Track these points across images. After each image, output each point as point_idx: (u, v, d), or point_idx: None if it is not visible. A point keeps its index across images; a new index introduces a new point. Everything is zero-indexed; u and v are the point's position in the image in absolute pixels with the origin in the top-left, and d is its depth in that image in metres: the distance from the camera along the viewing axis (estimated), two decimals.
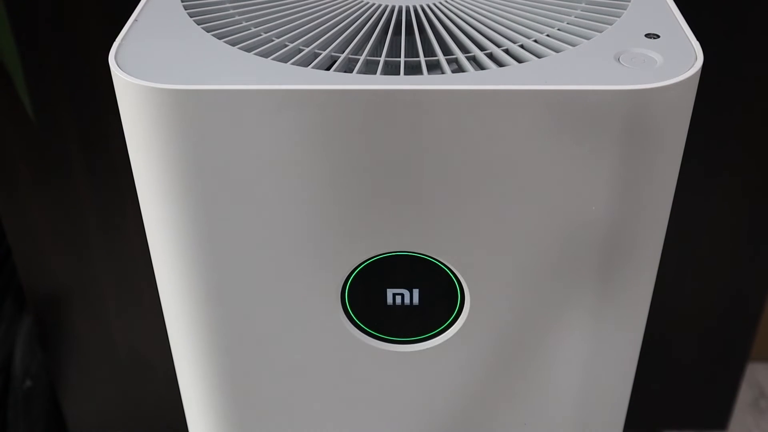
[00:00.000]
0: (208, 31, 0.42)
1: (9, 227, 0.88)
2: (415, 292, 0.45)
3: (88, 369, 1.00)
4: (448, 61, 0.40)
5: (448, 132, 0.38)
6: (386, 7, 0.45)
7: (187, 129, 0.38)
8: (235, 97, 0.37)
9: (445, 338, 0.46)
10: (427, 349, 0.46)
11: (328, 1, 0.46)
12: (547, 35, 0.42)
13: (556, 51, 0.40)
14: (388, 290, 0.46)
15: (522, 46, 0.41)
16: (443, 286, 0.44)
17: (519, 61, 0.40)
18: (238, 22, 0.44)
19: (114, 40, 0.41)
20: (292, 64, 0.39)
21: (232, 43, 0.41)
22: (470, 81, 0.37)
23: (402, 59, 0.40)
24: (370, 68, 0.40)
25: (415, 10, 0.45)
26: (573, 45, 0.41)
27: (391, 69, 0.41)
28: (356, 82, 0.37)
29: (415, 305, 0.46)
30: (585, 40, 0.41)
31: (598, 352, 0.47)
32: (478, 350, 0.46)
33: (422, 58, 0.40)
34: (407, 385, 0.48)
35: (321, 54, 0.41)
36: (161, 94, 0.37)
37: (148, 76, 0.38)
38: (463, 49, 0.42)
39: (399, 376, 0.47)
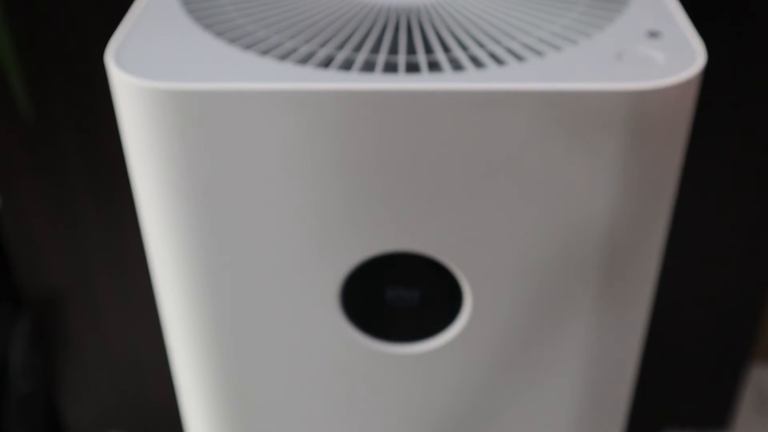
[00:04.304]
0: (206, 30, 0.42)
1: (8, 227, 0.88)
2: (416, 292, 0.45)
3: (87, 369, 1.00)
4: (448, 60, 0.40)
5: (447, 131, 0.37)
6: (386, 5, 0.45)
7: (184, 128, 0.38)
8: (233, 95, 0.37)
9: (446, 339, 0.45)
10: (428, 349, 0.46)
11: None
12: (548, 33, 0.42)
13: (557, 49, 0.40)
14: (387, 290, 0.45)
15: (522, 45, 0.41)
16: (443, 286, 0.44)
17: (519, 59, 0.39)
18: (237, 19, 0.43)
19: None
20: (291, 62, 0.39)
21: (231, 42, 0.41)
22: (470, 80, 0.37)
23: (402, 58, 0.40)
24: (369, 67, 0.40)
25: (415, 9, 0.45)
26: (574, 43, 0.40)
27: (391, 67, 0.40)
28: (355, 81, 0.37)
29: (416, 305, 0.46)
30: (586, 39, 0.41)
31: (599, 351, 0.47)
32: (478, 350, 0.46)
33: (422, 57, 0.40)
34: (407, 385, 0.48)
35: (320, 52, 0.40)
36: (159, 93, 0.37)
37: (146, 74, 0.38)
38: (463, 47, 0.41)
39: (399, 377, 0.47)
